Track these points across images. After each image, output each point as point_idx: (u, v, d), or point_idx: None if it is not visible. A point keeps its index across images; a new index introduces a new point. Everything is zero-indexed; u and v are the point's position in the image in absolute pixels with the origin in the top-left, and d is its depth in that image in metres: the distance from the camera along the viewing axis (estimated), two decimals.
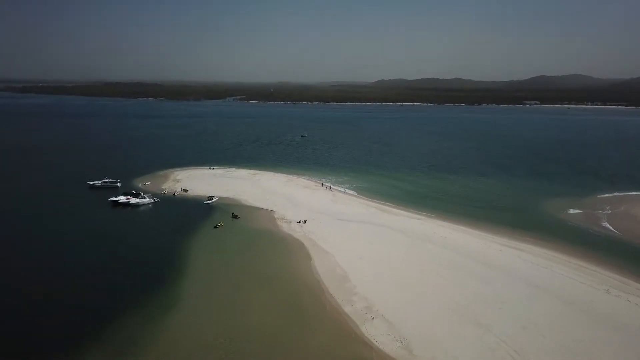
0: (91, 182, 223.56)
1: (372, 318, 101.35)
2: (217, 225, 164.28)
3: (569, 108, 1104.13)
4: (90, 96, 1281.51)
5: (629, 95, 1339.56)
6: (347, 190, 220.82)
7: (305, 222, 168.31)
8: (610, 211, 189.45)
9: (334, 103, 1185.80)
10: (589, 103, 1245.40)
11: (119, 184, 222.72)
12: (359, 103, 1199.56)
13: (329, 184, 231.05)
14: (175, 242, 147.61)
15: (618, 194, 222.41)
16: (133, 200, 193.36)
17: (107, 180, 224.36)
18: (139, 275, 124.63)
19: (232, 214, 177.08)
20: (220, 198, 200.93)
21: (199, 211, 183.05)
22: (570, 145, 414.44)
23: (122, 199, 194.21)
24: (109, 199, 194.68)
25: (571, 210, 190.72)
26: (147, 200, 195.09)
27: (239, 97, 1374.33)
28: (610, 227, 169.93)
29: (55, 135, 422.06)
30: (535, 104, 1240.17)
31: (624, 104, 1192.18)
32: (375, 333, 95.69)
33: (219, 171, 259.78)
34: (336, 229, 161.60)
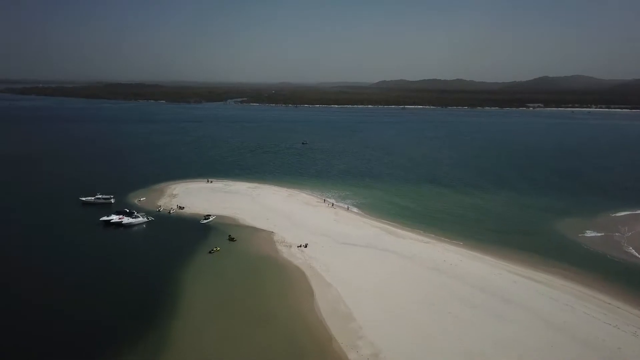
0: (84, 199, 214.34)
1: None
2: (212, 250, 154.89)
3: (572, 111, 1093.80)
4: (90, 98, 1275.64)
5: (632, 97, 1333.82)
6: (350, 207, 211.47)
7: (306, 246, 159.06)
8: (629, 233, 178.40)
9: (336, 106, 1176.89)
10: (593, 106, 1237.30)
11: (112, 200, 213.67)
12: (361, 106, 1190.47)
13: (332, 200, 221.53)
14: (167, 270, 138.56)
15: (632, 212, 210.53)
16: (126, 220, 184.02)
17: (100, 196, 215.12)
18: (128, 310, 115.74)
19: (229, 236, 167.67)
20: (218, 217, 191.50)
21: (194, 232, 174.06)
22: (577, 154, 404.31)
23: (114, 218, 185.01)
24: (101, 219, 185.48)
25: (587, 232, 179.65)
26: (140, 219, 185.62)
27: (240, 99, 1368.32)
28: (635, 253, 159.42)
29: (50, 143, 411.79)
30: (539, 106, 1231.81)
31: (628, 106, 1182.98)
32: None
33: (217, 184, 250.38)
34: (339, 255, 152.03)
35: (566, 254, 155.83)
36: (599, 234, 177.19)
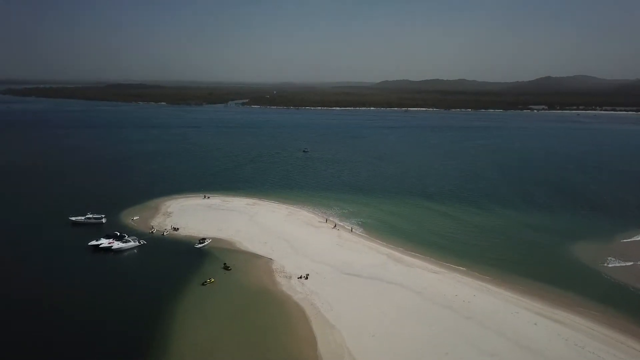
0: (73, 218, 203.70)
1: None
2: (206, 281, 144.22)
3: (578, 114, 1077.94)
4: (90, 100, 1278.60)
5: (636, 98, 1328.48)
6: (353, 228, 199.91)
7: (307, 277, 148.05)
8: None
9: (337, 108, 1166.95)
10: (598, 108, 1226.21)
11: (103, 220, 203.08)
12: (363, 108, 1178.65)
13: (334, 220, 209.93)
14: (156, 306, 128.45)
15: None
16: (116, 244, 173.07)
17: (91, 215, 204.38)
18: (110, 352, 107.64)
19: (224, 264, 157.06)
20: (213, 240, 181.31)
21: (187, 259, 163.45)
22: (587, 166, 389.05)
23: (103, 243, 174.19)
24: (89, 243, 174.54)
25: (609, 260, 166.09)
26: (131, 244, 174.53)
27: (241, 101, 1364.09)
28: None
29: (43, 153, 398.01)
30: (543, 109, 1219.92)
31: (633, 108, 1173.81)
32: None
33: (214, 200, 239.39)
34: (343, 289, 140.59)
35: (589, 288, 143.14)
36: (623, 264, 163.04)
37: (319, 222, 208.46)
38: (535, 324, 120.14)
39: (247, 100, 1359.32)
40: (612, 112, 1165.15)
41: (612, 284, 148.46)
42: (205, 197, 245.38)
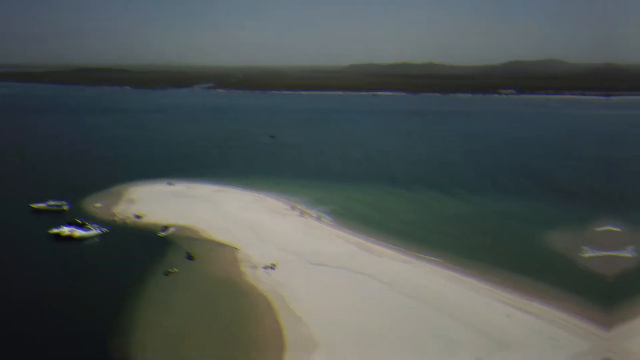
0: (34, 205, 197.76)
1: None
2: (168, 271, 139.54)
3: (547, 99, 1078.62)
4: (58, 83, 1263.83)
5: (605, 82, 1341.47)
6: (321, 216, 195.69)
7: (273, 267, 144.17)
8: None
9: (304, 92, 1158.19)
10: (567, 92, 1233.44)
11: (65, 207, 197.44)
12: (331, 92, 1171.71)
13: (301, 207, 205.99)
14: (116, 296, 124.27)
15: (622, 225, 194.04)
16: (78, 232, 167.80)
17: (52, 202, 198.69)
18: (65, 344, 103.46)
19: (188, 253, 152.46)
20: (178, 227, 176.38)
21: (151, 247, 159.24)
22: (554, 152, 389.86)
23: (65, 230, 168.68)
24: (50, 231, 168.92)
25: (585, 249, 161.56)
26: (93, 232, 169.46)
27: (206, 84, 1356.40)
28: None
29: (4, 138, 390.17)
30: (512, 93, 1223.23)
31: (602, 93, 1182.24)
32: None
33: (178, 187, 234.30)
34: (310, 279, 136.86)
35: (564, 279, 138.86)
36: (598, 253, 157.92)
37: (285, 209, 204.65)
38: (508, 315, 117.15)
39: (213, 84, 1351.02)
40: (581, 96, 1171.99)
41: (588, 274, 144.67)
42: (169, 183, 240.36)
